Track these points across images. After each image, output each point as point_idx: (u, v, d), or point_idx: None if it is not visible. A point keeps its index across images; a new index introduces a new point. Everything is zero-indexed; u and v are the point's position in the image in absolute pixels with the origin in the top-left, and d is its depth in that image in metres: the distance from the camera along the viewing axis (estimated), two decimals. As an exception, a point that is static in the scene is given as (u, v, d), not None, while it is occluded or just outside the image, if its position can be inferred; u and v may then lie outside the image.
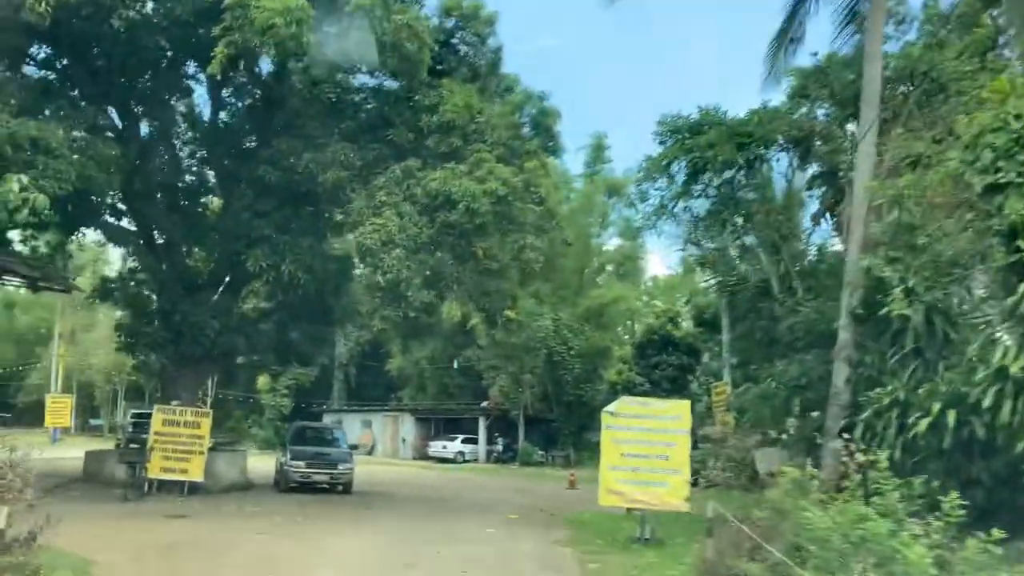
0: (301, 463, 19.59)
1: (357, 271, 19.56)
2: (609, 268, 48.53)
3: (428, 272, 15.82)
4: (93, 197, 17.13)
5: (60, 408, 39.32)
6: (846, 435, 13.19)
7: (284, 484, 19.77)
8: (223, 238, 19.84)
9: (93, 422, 58.43)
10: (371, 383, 54.74)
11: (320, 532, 13.32)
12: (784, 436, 15.63)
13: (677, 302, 33.59)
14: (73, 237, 22.06)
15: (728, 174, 17.08)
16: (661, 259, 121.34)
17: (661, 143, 17.42)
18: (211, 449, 20.61)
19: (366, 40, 15.35)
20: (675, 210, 17.60)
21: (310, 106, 18.39)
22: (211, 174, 21.88)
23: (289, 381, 47.48)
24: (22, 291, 26.86)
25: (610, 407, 13.20)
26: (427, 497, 21.11)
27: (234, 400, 52.46)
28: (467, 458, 41.89)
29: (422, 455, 43.61)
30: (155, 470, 17.87)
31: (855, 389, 13.42)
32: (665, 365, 31.77)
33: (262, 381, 47.28)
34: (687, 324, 33.93)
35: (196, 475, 18.17)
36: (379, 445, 47.35)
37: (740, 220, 17.54)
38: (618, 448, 12.85)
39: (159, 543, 11.44)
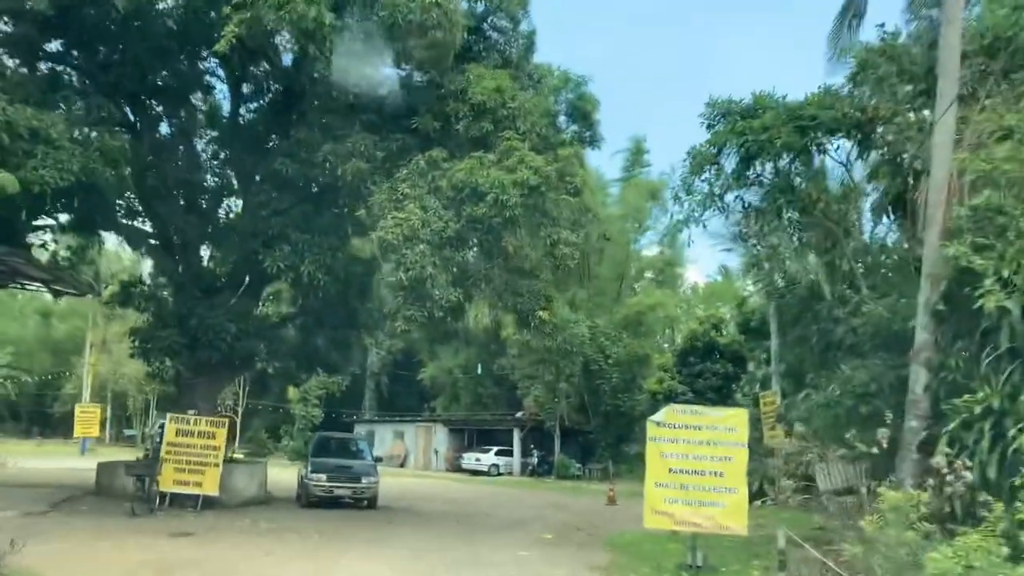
0: (322, 476, 18.42)
1: (381, 271, 18.39)
2: (648, 275, 46.91)
3: (454, 269, 14.53)
4: (106, 196, 16.21)
5: (89, 418, 38.85)
6: (928, 449, 11.51)
7: (305, 499, 18.62)
8: (241, 238, 18.84)
9: (127, 432, 58.35)
10: (404, 393, 53.76)
11: (334, 553, 12.07)
12: (850, 450, 14.00)
13: (720, 308, 31.78)
14: (94, 240, 21.48)
15: (783, 161, 15.54)
16: (701, 267, 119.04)
17: (709, 127, 15.96)
18: (228, 461, 19.63)
19: (389, 27, 14.23)
20: (724, 201, 16.05)
21: (330, 98, 17.31)
22: (231, 173, 20.94)
23: (320, 391, 46.63)
24: (55, 299, 26.07)
25: (656, 416, 11.74)
26: (456, 513, 19.79)
27: (265, 410, 51.99)
28: (501, 471, 40.52)
29: (455, 467, 42.35)
30: (167, 483, 16.84)
31: (936, 396, 11.84)
32: (709, 374, 30.07)
33: (292, 391, 46.55)
34: (732, 330, 32.14)
35: (211, 489, 17.10)
36: (411, 456, 46.20)
37: (795, 213, 15.92)
38: (665, 463, 11.37)
39: (153, 565, 10.28)
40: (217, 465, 17.30)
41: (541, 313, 17.00)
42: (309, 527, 14.87)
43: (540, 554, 13.03)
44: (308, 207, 17.72)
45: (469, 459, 41.17)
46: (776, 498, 14.08)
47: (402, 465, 45.65)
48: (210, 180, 20.79)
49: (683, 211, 16.59)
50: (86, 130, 14.78)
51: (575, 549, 13.95)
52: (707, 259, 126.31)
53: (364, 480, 18.68)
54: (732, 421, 11.41)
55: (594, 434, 43.13)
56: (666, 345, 44.75)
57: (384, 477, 36.90)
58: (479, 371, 43.88)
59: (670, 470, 11.31)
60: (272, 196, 17.65)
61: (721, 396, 30.28)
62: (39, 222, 18.35)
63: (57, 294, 22.03)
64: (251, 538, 13.16)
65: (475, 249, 15.18)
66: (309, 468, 18.76)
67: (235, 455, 20.49)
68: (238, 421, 50.90)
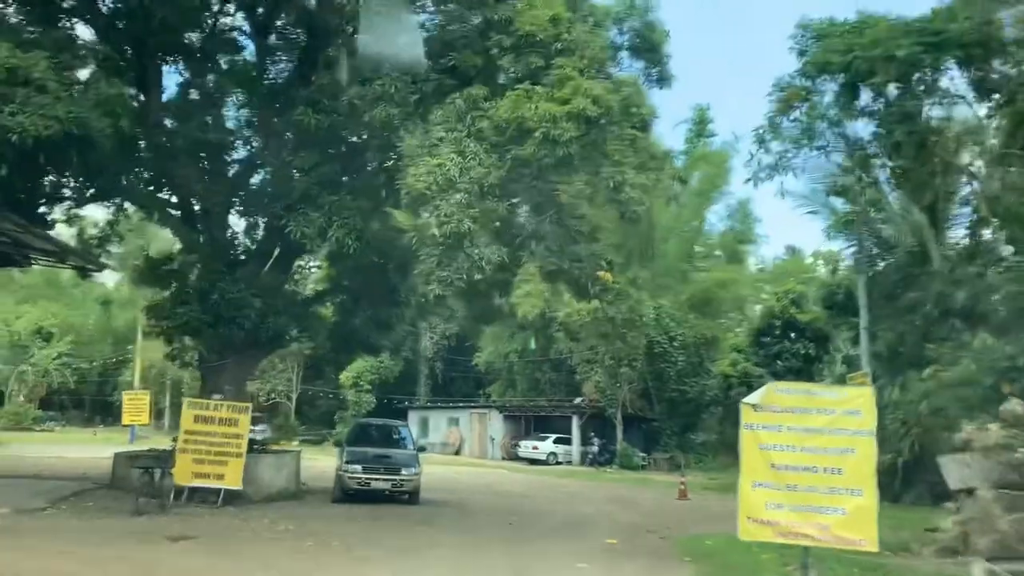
0: (358, 468, 16.44)
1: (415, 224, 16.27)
2: (717, 253, 43.80)
3: (497, 223, 12.24)
4: (106, 153, 14.40)
5: (138, 405, 37.97)
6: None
7: (340, 492, 16.69)
8: (266, 205, 16.98)
9: (183, 419, 58.02)
10: (459, 378, 51.99)
11: (348, 565, 9.98)
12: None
13: (798, 283, 28.52)
14: (118, 213, 20.00)
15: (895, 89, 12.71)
16: (772, 248, 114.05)
17: (800, 54, 13.23)
18: (258, 450, 17.86)
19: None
20: (818, 141, 13.30)
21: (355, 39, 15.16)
22: (256, 136, 19.06)
23: (372, 376, 45.12)
24: (81, 277, 24.83)
25: (752, 397, 9.18)
26: (507, 509, 17.58)
27: (320, 396, 50.86)
28: (560, 460, 38.26)
29: (512, 455, 40.27)
30: (185, 476, 15.07)
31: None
32: (787, 354, 27.12)
33: (345, 376, 45.19)
34: (813, 306, 28.96)
35: (233, 482, 15.28)
36: (467, 444, 44.34)
37: (910, 151, 13.06)
38: (765, 457, 8.84)
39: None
40: (240, 455, 15.47)
41: (603, 275, 14.59)
42: (333, 530, 12.84)
43: (604, 568, 10.69)
44: (335, 166, 15.69)
45: (526, 447, 39.02)
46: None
47: (457, 452, 43.84)
48: (235, 143, 18.92)
49: (759, 163, 13.97)
50: (76, 74, 12.94)
51: (646, 560, 11.57)
52: (778, 235, 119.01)
53: (404, 471, 16.63)
54: (855, 402, 8.77)
55: (658, 422, 40.48)
56: (739, 326, 41.55)
57: (436, 466, 35.17)
58: (531, 346, 41.34)
59: (772, 466, 8.78)
60: (295, 154, 15.67)
61: (801, 379, 27.29)
62: (50, 191, 16.90)
63: (83, 272, 20.69)
64: (259, 545, 11.16)
65: (523, 197, 12.78)
66: (344, 458, 16.80)
67: (266, 442, 18.67)
68: (292, 408, 50.05)
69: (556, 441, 38.76)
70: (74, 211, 18.69)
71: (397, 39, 14.29)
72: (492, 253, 11.69)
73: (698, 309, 40.03)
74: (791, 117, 13.77)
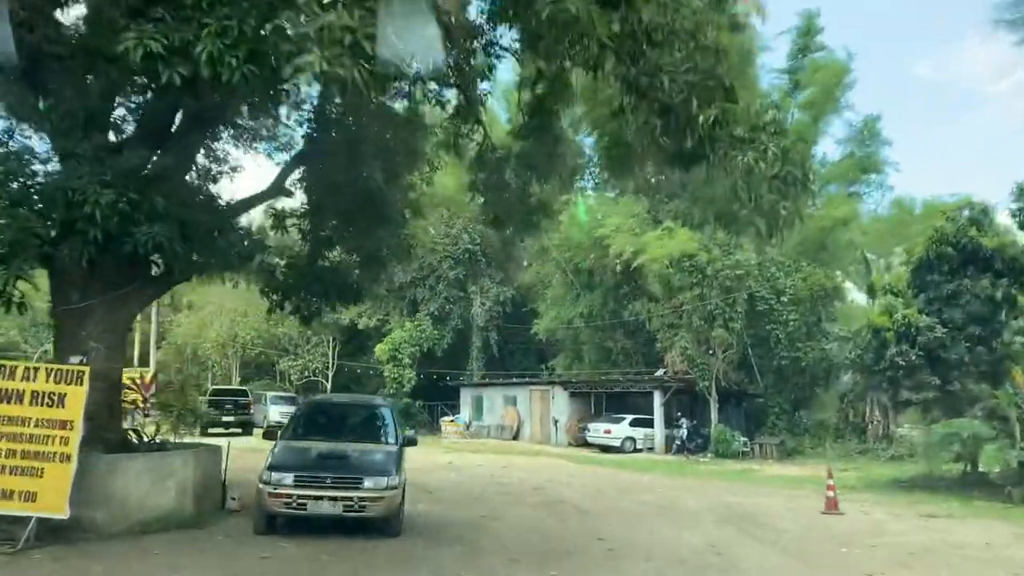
0: (286, 477, 9.47)
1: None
2: (831, 188, 35.12)
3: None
4: None
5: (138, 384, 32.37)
6: None
7: (260, 519, 9.77)
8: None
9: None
10: (518, 351, 44.90)
11: None
12: None
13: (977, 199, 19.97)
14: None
15: None
16: (907, 178, 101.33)
17: None
18: (150, 446, 11.14)
19: None
20: None
21: None
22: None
23: (412, 348, 38.45)
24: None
25: None
26: (554, 547, 10.28)
27: (358, 372, 44.68)
28: (639, 446, 30.78)
29: (579, 441, 33.03)
30: (-38, 493, 8.47)
31: None
32: (968, 296, 18.79)
33: (380, 348, 38.71)
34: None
35: (52, 505, 8.56)
36: (526, 427, 37.30)
37: None
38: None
39: None
40: (66, 459, 8.73)
41: (711, 111, 7.26)
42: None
43: None
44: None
45: (596, 430, 31.61)
46: None
47: (515, 437, 36.89)
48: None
49: None
50: None
51: None
52: (914, 163, 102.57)
53: (369, 483, 9.54)
54: None
55: (763, 397, 32.44)
56: (865, 271, 32.83)
57: (483, 455, 28.26)
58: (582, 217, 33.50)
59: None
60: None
61: (990, 332, 19.03)
62: None
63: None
64: None
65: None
66: (268, 461, 9.86)
67: (161, 433, 11.85)
68: (328, 384, 44.04)
69: (634, 423, 31.26)
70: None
71: None
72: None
73: (810, 255, 31.73)
74: None
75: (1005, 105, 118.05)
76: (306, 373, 43.60)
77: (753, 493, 17.55)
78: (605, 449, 30.69)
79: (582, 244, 32.74)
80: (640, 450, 30.60)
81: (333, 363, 43.84)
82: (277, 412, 40.29)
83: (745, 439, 30.41)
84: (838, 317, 31.19)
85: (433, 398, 42.24)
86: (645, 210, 32.89)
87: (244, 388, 34.79)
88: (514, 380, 39.50)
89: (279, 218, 13.99)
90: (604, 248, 32.17)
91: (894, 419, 29.01)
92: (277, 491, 9.43)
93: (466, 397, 41.00)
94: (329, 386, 43.96)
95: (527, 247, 34.75)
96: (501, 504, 14.07)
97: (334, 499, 9.41)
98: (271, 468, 9.64)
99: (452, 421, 38.84)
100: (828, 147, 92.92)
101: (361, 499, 9.44)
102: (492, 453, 28.74)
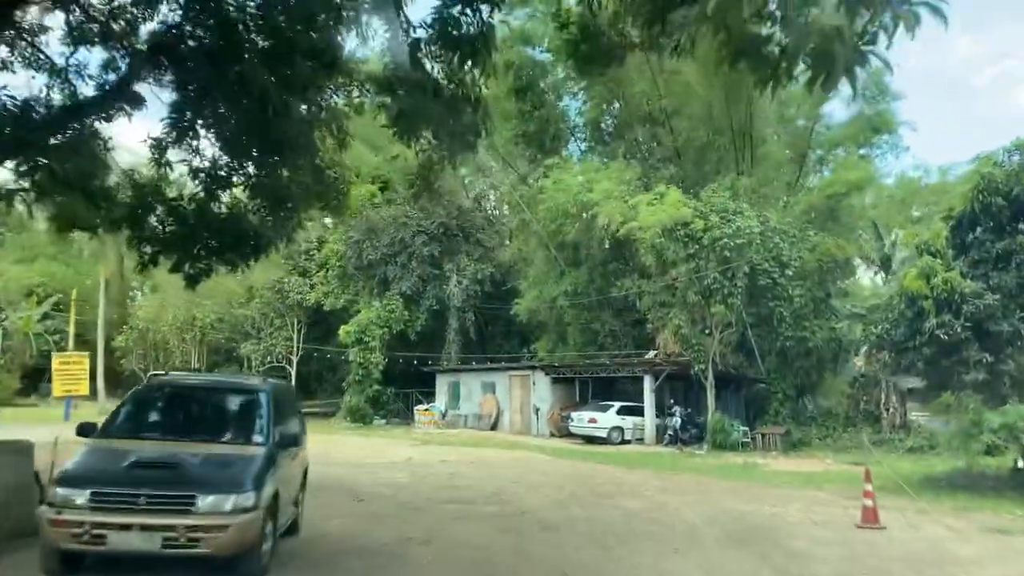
0: (79, 496, 6.25)
1: None
2: (839, 152, 31.89)
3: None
4: None
5: (73, 371, 29.06)
6: None
7: (48, 556, 6.53)
8: None
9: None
10: (498, 333, 41.66)
11: None
12: None
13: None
14: None
15: None
16: (923, 139, 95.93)
17: None
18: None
19: None
20: None
21: None
22: None
23: (380, 330, 35.16)
24: None
25: None
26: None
27: (328, 357, 41.33)
28: (627, 436, 27.68)
29: (562, 431, 29.90)
30: None
31: None
32: (1022, 255, 15.61)
33: (344, 331, 35.43)
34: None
35: None
36: (505, 416, 34.13)
37: None
38: None
39: None
40: None
41: None
42: None
43: None
44: None
45: (580, 420, 28.43)
46: None
47: (493, 427, 33.72)
48: None
49: None
50: None
51: None
52: (928, 121, 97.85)
53: (203, 503, 6.32)
54: None
55: (765, 382, 29.36)
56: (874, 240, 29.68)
57: (454, 447, 25.22)
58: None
59: None
60: None
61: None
62: None
63: None
64: None
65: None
66: (56, 474, 6.62)
67: None
68: (292, 371, 40.74)
69: (621, 411, 28.13)
70: None
71: None
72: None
73: (817, 224, 28.57)
74: None
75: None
76: (268, 359, 40.28)
77: (763, 497, 14.40)
78: (590, 440, 27.57)
79: (567, 211, 29.43)
80: (629, 441, 27.50)
81: (298, 348, 40.53)
82: (235, 403, 37.11)
83: (745, 429, 27.35)
84: (849, 292, 28.04)
85: (407, 385, 39.01)
86: (636, 176, 29.63)
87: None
88: (492, 365, 36.29)
89: (158, 148, 10.66)
90: (591, 218, 28.98)
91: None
92: (63, 516, 6.19)
93: (442, 384, 37.78)
94: (294, 372, 40.67)
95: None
96: (444, 518, 10.87)
97: (149, 528, 6.18)
98: (60, 482, 6.40)
99: (427, 410, 35.66)
100: (835, 107, 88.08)
101: (192, 528, 6.21)
102: (463, 446, 25.59)
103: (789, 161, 32.02)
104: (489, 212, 44.08)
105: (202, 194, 10.95)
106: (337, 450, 22.69)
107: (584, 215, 29.54)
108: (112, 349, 50.52)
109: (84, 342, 49.30)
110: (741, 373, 29.82)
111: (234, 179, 11.06)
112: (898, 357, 17.85)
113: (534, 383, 32.96)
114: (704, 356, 26.85)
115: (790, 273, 26.55)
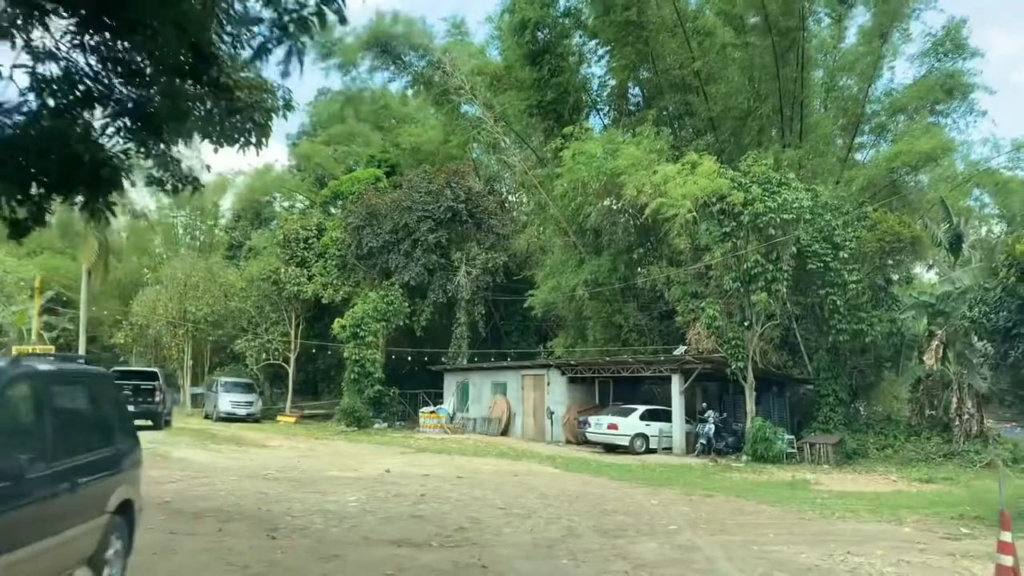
0: None
1: None
2: (900, 118, 27.75)
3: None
4: None
5: (35, 364, 26.19)
6: None
7: None
8: None
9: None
10: (515, 329, 38.11)
11: None
12: None
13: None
14: None
15: None
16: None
17: None
18: None
19: None
20: None
21: None
22: None
23: (377, 324, 31.82)
24: None
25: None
26: None
27: (328, 353, 38.14)
28: (652, 445, 23.98)
29: (579, 438, 26.30)
30: None
31: None
32: None
33: (337, 324, 32.18)
34: None
35: None
36: (517, 419, 30.58)
37: None
38: None
39: None
40: None
41: None
42: None
43: None
44: None
45: (598, 425, 24.75)
46: None
47: (504, 432, 30.20)
48: None
49: None
50: None
51: None
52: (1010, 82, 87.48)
53: None
54: None
55: (813, 384, 25.40)
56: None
57: (450, 455, 21.74)
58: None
59: None
60: None
61: None
62: None
63: None
64: None
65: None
66: None
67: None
68: (290, 369, 37.64)
69: (646, 416, 24.45)
70: None
71: None
72: None
73: (877, 200, 24.57)
74: None
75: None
76: (265, 355, 37.21)
77: (828, 534, 10.69)
78: (610, 448, 23.96)
79: (587, 189, 25.78)
80: (654, 450, 23.82)
81: (296, 343, 37.40)
82: (229, 402, 34.03)
83: (790, 437, 23.44)
84: (913, 278, 24.04)
85: (415, 385, 35.62)
86: (667, 145, 25.95)
87: (153, 370, 28.34)
88: (504, 363, 32.75)
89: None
90: (615, 194, 25.38)
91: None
92: None
93: (451, 384, 34.36)
94: (292, 370, 37.54)
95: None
96: (361, 574, 7.37)
97: None
98: None
99: (432, 412, 32.25)
100: (900, 67, 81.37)
101: None
102: (461, 455, 22.09)
103: (842, 130, 27.96)
104: (503, 195, 40.59)
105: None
106: (307, 459, 19.37)
107: (607, 191, 25.91)
108: (111, 347, 48.12)
109: (91, 339, 47.03)
110: (785, 373, 25.92)
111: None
112: (1002, 346, 14.02)
113: (549, 383, 29.37)
114: (742, 353, 22.99)
115: (844, 256, 22.59)
